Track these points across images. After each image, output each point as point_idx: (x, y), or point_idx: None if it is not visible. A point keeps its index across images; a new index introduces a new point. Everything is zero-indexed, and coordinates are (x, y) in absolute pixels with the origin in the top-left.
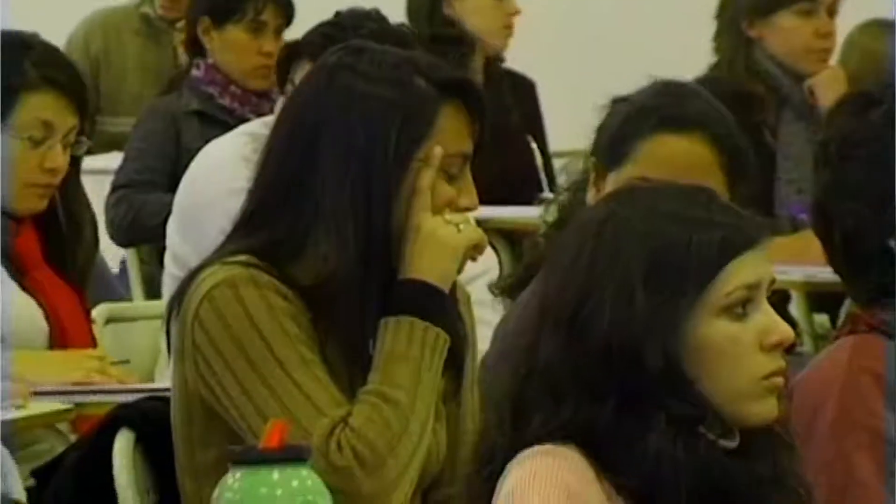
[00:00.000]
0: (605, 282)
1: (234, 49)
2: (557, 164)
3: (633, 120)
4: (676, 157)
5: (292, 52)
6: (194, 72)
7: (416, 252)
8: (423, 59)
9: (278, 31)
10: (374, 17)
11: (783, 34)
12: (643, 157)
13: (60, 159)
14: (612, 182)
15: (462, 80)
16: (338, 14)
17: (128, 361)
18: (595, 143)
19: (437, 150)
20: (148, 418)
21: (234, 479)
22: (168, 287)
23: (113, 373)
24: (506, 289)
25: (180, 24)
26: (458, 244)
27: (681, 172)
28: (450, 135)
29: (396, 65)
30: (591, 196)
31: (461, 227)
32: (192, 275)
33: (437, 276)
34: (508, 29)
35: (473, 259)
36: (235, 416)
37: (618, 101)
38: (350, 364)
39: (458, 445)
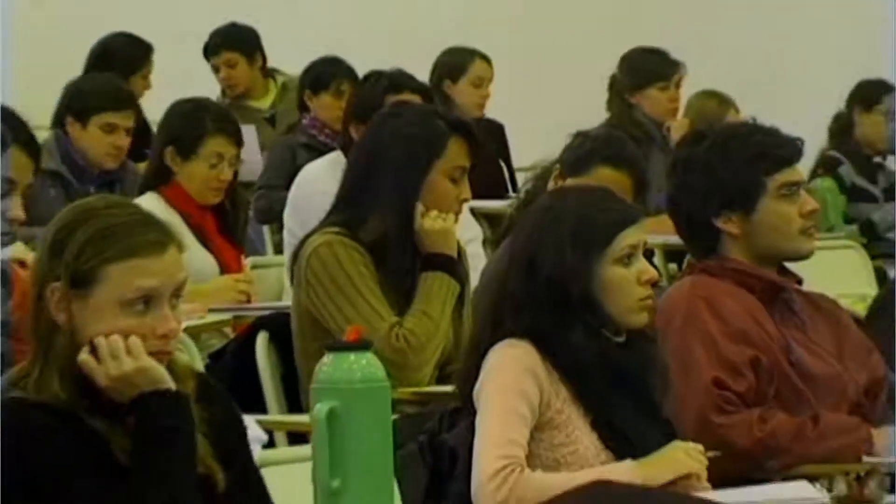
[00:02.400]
0: (548, 242)
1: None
2: (519, 175)
3: (589, 152)
4: (610, 180)
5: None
6: (303, 121)
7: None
8: (439, 110)
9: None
10: (408, 76)
11: (649, 100)
12: (590, 176)
13: (229, 174)
14: (567, 182)
15: (463, 122)
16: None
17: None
18: (561, 157)
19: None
20: (277, 324)
21: (327, 359)
22: (288, 247)
23: (253, 292)
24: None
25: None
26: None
27: (611, 186)
28: (455, 154)
29: (423, 113)
30: (550, 186)
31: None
32: (304, 240)
33: (450, 249)
34: (482, 106)
35: None
36: (330, 323)
37: (579, 135)
38: (397, 294)
39: (460, 340)
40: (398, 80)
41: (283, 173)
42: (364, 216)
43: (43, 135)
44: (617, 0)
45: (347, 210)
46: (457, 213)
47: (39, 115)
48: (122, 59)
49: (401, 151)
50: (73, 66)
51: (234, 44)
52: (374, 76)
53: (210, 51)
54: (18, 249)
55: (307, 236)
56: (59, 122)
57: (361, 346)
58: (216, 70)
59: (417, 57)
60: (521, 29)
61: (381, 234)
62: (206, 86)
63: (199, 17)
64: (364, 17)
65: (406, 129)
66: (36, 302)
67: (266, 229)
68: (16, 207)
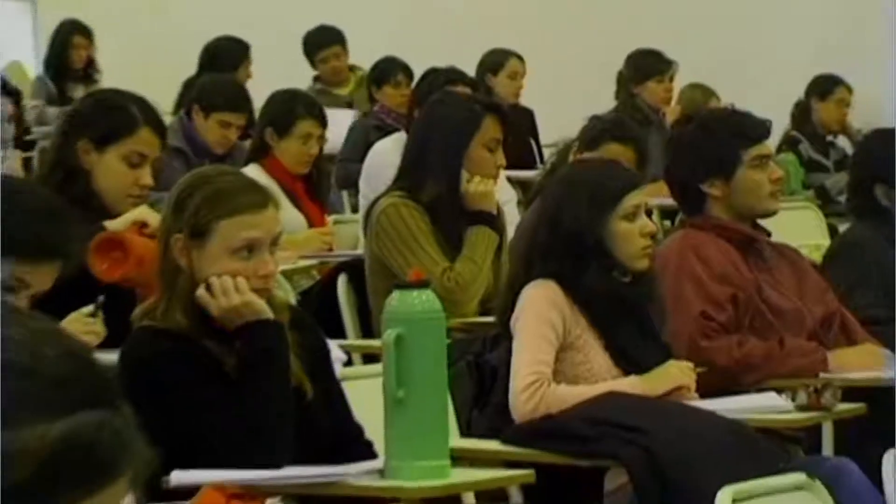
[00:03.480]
0: (568, 202)
1: (390, 98)
2: (546, 150)
3: (600, 131)
4: (618, 153)
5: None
6: (374, 108)
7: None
8: (475, 95)
9: None
10: (459, 72)
11: (648, 91)
12: (602, 151)
13: (316, 149)
14: (584, 156)
15: (495, 103)
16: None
17: None
18: (579, 136)
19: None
20: (354, 268)
21: (395, 295)
22: (362, 207)
23: (334, 242)
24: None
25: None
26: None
27: (619, 159)
28: (490, 129)
29: (462, 98)
30: (570, 159)
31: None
32: (374, 201)
33: (490, 207)
34: (517, 95)
35: None
36: (396, 267)
37: (593, 118)
38: (448, 244)
39: (499, 281)
40: (451, 75)
41: (358, 149)
42: (421, 182)
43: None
44: (618, 9)
45: (408, 178)
46: (495, 178)
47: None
48: (226, 58)
49: (447, 129)
50: (186, 65)
51: (339, 40)
52: (433, 72)
53: (315, 46)
54: (143, 211)
55: (377, 199)
56: (186, 108)
57: (421, 284)
58: (324, 62)
59: (463, 54)
60: (547, 33)
61: (435, 196)
62: (298, 78)
63: (291, 20)
64: (420, 20)
65: (450, 111)
66: (163, 249)
67: (345, 193)
68: (145, 176)
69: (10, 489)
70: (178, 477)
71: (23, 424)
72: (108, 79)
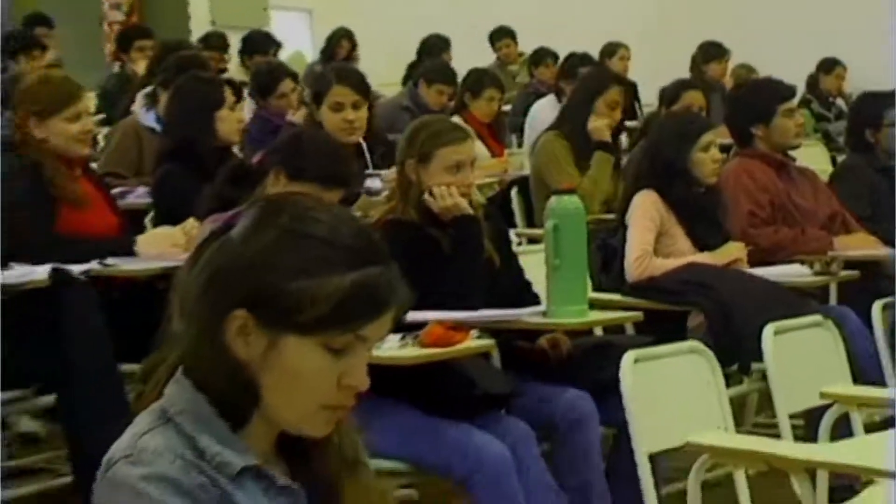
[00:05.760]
0: (663, 139)
1: (543, 75)
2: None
3: (678, 86)
4: (693, 99)
5: None
6: (532, 80)
7: None
8: (607, 70)
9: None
10: (587, 56)
11: (711, 69)
12: (682, 101)
13: (496, 107)
14: (670, 110)
15: (621, 77)
16: (573, 55)
17: None
18: (663, 95)
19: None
20: (522, 183)
21: (553, 199)
22: (527, 142)
23: (509, 166)
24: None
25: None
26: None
27: (693, 103)
28: (614, 93)
29: (597, 69)
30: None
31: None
32: (537, 139)
33: (606, 137)
34: (626, 70)
35: None
36: (551, 181)
37: (675, 81)
38: (583, 167)
39: (617, 191)
40: (583, 59)
41: (522, 107)
42: (572, 126)
43: (394, 89)
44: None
45: (564, 125)
46: (609, 126)
47: (388, 77)
48: (435, 47)
49: (585, 91)
50: (407, 54)
51: (511, 35)
52: (571, 56)
53: (495, 39)
54: None
55: (538, 137)
56: (413, 81)
57: (570, 191)
58: (500, 49)
59: (586, 42)
60: (651, 26)
61: (577, 135)
62: (485, 61)
63: (478, 19)
64: (545, 11)
65: (587, 81)
66: (400, 169)
67: (514, 136)
68: (350, 113)
69: (312, 321)
70: (412, 315)
71: (327, 276)
72: (362, 65)
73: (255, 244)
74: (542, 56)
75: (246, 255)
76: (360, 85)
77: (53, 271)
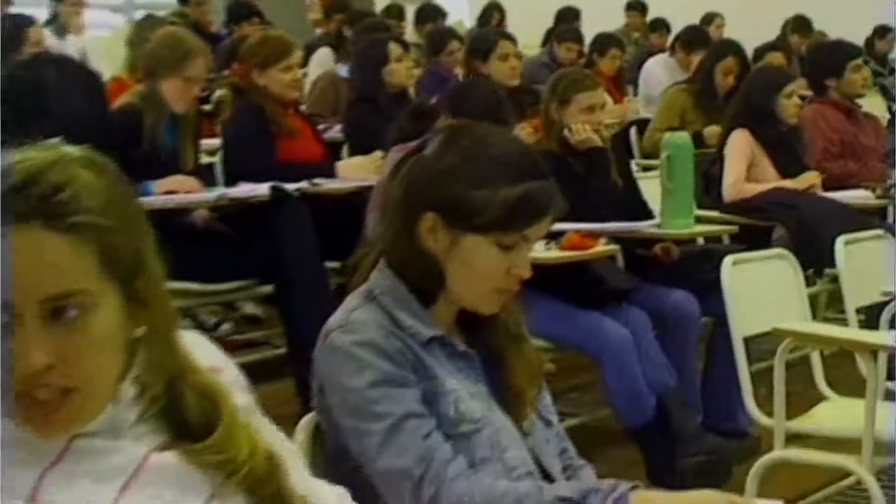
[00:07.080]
0: (754, 88)
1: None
2: None
3: (764, 48)
4: (775, 58)
5: None
6: (646, 44)
7: None
8: (728, 40)
9: None
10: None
11: (793, 40)
12: (767, 59)
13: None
14: (759, 66)
15: (738, 46)
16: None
17: None
18: (751, 57)
19: None
20: (638, 123)
21: (666, 135)
22: (640, 94)
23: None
24: None
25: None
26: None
27: (776, 61)
28: (731, 62)
29: (723, 41)
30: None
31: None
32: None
33: None
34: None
35: None
36: (664, 122)
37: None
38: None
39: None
40: (693, 32)
41: (637, 64)
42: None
43: (534, 51)
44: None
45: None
46: None
47: (530, 41)
48: (568, 16)
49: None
50: (545, 22)
51: (640, 7)
52: (688, 28)
53: (629, 9)
54: None
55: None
56: (549, 43)
57: (679, 128)
58: (633, 16)
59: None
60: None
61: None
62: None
63: None
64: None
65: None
66: (545, 111)
67: (630, 87)
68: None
69: (488, 223)
70: (554, 226)
71: (501, 187)
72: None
73: (443, 161)
74: (658, 25)
75: (436, 170)
76: (515, 42)
77: (272, 188)
